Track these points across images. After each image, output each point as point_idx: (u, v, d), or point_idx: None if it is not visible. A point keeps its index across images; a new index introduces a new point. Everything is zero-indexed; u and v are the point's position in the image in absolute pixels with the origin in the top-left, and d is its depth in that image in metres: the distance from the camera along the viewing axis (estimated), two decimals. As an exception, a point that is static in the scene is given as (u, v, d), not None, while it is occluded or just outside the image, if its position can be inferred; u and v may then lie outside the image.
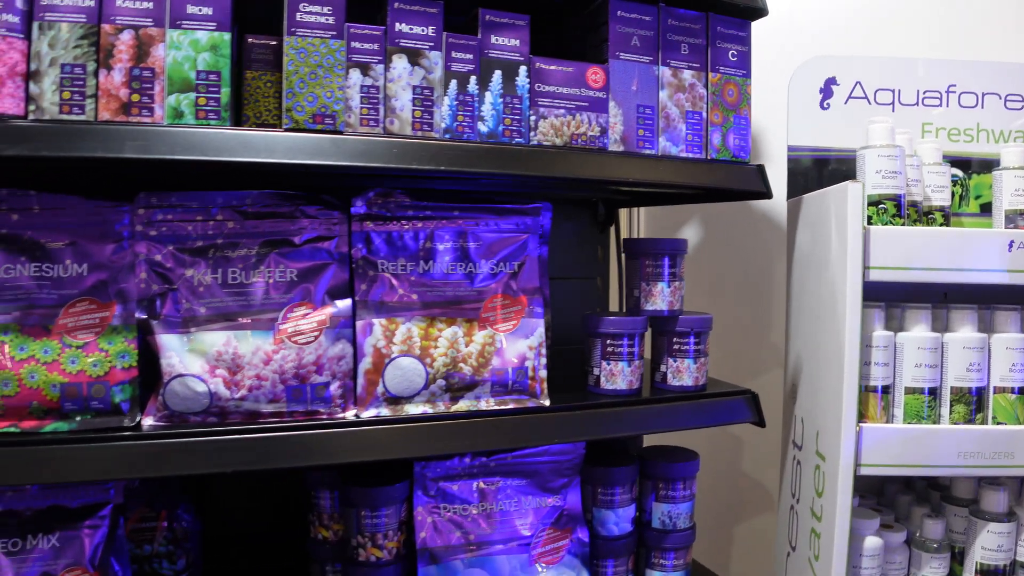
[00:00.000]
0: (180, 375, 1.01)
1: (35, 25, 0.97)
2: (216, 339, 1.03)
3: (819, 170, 1.50)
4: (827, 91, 1.48)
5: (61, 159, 0.94)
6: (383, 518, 1.16)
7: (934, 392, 1.24)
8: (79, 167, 1.10)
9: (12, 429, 0.98)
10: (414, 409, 1.10)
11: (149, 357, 1.04)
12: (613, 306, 1.57)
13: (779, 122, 1.55)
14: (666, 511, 1.29)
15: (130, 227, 1.05)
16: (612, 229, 1.56)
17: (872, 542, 1.30)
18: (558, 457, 1.23)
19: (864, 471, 1.23)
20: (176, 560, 1.26)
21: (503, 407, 1.13)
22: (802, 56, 1.49)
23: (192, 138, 0.97)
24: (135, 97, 0.98)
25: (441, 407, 1.11)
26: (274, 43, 1.10)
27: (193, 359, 1.02)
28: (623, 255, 1.31)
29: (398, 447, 1.07)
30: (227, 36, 1.01)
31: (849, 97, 1.48)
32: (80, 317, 1.01)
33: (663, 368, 1.27)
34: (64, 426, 1.00)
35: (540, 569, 1.20)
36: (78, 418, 1.00)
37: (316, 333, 1.06)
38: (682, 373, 1.25)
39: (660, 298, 1.24)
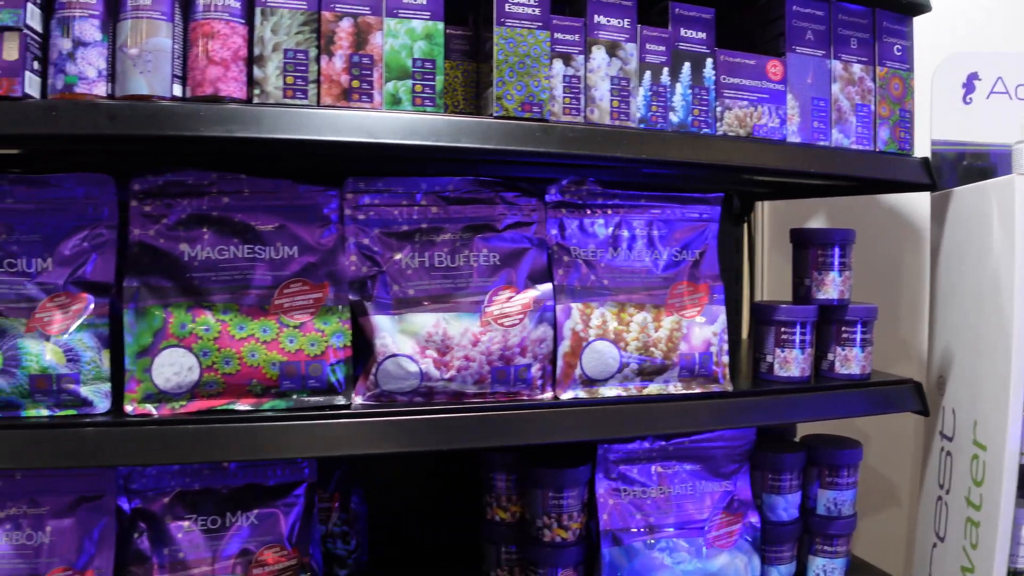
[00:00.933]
0: (393, 355, 1.04)
1: (257, 11, 1.00)
2: (426, 320, 1.06)
3: (953, 165, 1.53)
4: (969, 86, 1.51)
5: (285, 141, 0.97)
6: (568, 499, 1.18)
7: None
8: (277, 154, 1.13)
9: (229, 407, 1.01)
10: (608, 392, 1.12)
11: (357, 338, 1.07)
12: (747, 296, 1.60)
13: (920, 116, 1.58)
14: (831, 498, 1.31)
15: (338, 211, 1.08)
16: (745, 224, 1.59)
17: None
18: (731, 443, 1.25)
19: (1030, 459, 1.25)
20: (349, 540, 1.29)
21: (689, 391, 1.16)
22: (942, 52, 1.52)
23: (412, 124, 1.00)
24: (355, 83, 1.01)
25: (633, 390, 1.13)
26: (470, 34, 1.14)
27: (405, 340, 1.05)
28: (792, 245, 1.34)
29: (594, 428, 1.09)
30: (440, 25, 1.04)
31: (991, 92, 1.51)
32: (295, 298, 1.04)
33: (830, 356, 1.29)
34: (281, 404, 1.03)
35: (714, 552, 1.22)
36: (294, 396, 1.03)
37: (520, 316, 1.08)
38: (850, 362, 1.27)
39: (832, 287, 1.27)
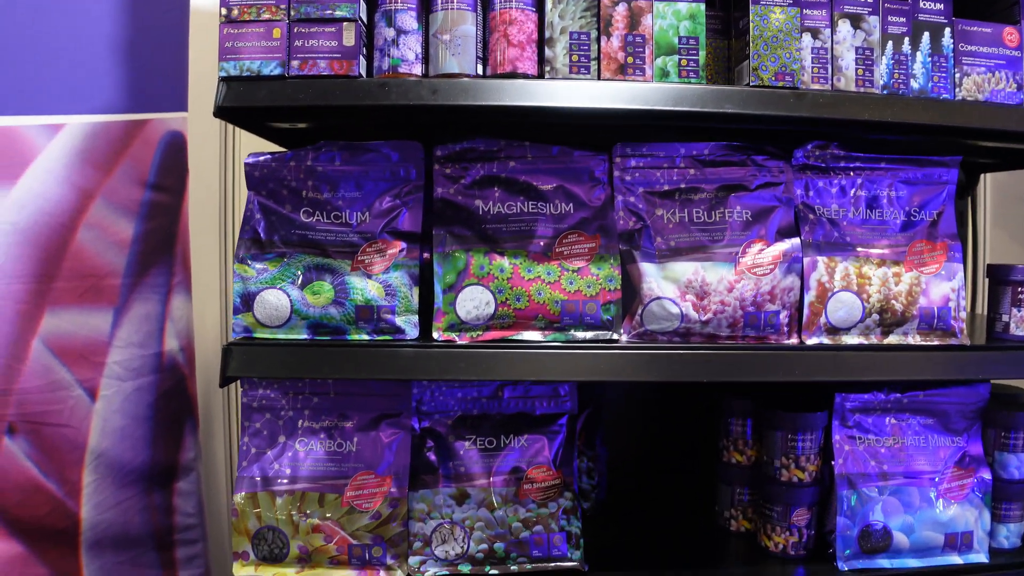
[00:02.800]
0: (658, 298, 1.20)
1: (547, 0, 1.19)
2: (686, 268, 1.21)
3: None
4: None
5: (574, 109, 1.16)
6: (805, 442, 1.30)
7: None
8: (553, 122, 1.32)
9: (517, 337, 1.20)
10: (850, 340, 1.24)
11: (624, 285, 1.24)
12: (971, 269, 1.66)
13: None
14: (1067, 460, 1.36)
15: (607, 173, 1.26)
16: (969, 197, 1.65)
17: None
18: (964, 399, 1.33)
19: None
20: (593, 476, 1.46)
21: (928, 343, 1.25)
22: None
23: (681, 93, 1.16)
24: (630, 59, 1.19)
25: (873, 339, 1.24)
26: (720, 15, 1.30)
27: (667, 285, 1.21)
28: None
29: (836, 371, 1.20)
30: (702, 7, 1.20)
31: None
32: (572, 247, 1.23)
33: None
34: (561, 336, 1.21)
35: (945, 503, 1.30)
36: (571, 331, 1.21)
37: (771, 266, 1.22)
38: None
39: None
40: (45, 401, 1.69)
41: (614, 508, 1.49)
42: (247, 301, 1.20)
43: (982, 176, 1.72)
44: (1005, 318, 1.32)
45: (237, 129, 1.83)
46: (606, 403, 1.53)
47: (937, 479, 1.31)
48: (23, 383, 1.68)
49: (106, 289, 1.73)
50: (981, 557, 1.31)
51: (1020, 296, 1.30)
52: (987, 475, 1.33)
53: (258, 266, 1.21)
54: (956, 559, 1.31)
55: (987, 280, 1.36)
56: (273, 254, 1.22)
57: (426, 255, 1.26)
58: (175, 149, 1.77)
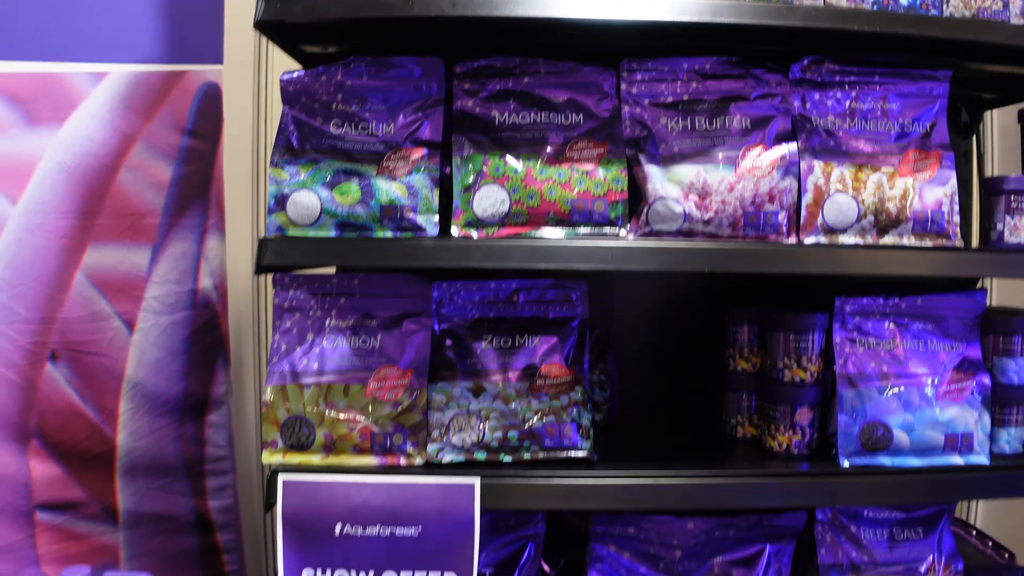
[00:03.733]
0: (662, 197, 1.32)
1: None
2: (688, 171, 1.33)
3: None
4: None
5: (582, 21, 1.28)
6: (807, 343, 1.40)
7: None
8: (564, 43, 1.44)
9: (531, 234, 1.32)
10: (846, 239, 1.34)
11: (633, 188, 1.35)
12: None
13: None
14: (1065, 365, 1.44)
15: (615, 87, 1.38)
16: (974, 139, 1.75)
17: None
18: (961, 305, 1.41)
19: None
20: (605, 388, 1.57)
21: (922, 244, 1.35)
22: None
23: (682, 3, 1.28)
24: (634, -24, 1.32)
25: (869, 240, 1.35)
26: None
27: (671, 186, 1.33)
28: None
29: (832, 265, 1.30)
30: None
31: None
32: (582, 152, 1.34)
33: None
34: (571, 232, 1.33)
35: (945, 404, 1.39)
36: (581, 228, 1.33)
37: (769, 169, 1.33)
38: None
39: None
40: (86, 331, 1.83)
41: (625, 420, 1.60)
42: (280, 202, 1.34)
43: (987, 115, 1.82)
44: (999, 226, 1.42)
45: (269, 82, 1.98)
46: (616, 322, 1.64)
47: (936, 381, 1.40)
48: (65, 313, 1.82)
49: (145, 228, 1.87)
50: (982, 459, 1.39)
51: (1012, 205, 1.40)
52: (986, 379, 1.41)
53: (291, 170, 1.35)
54: (957, 459, 1.38)
55: (981, 192, 1.46)
56: (305, 159, 1.35)
57: (447, 169, 1.39)
58: (211, 99, 1.92)
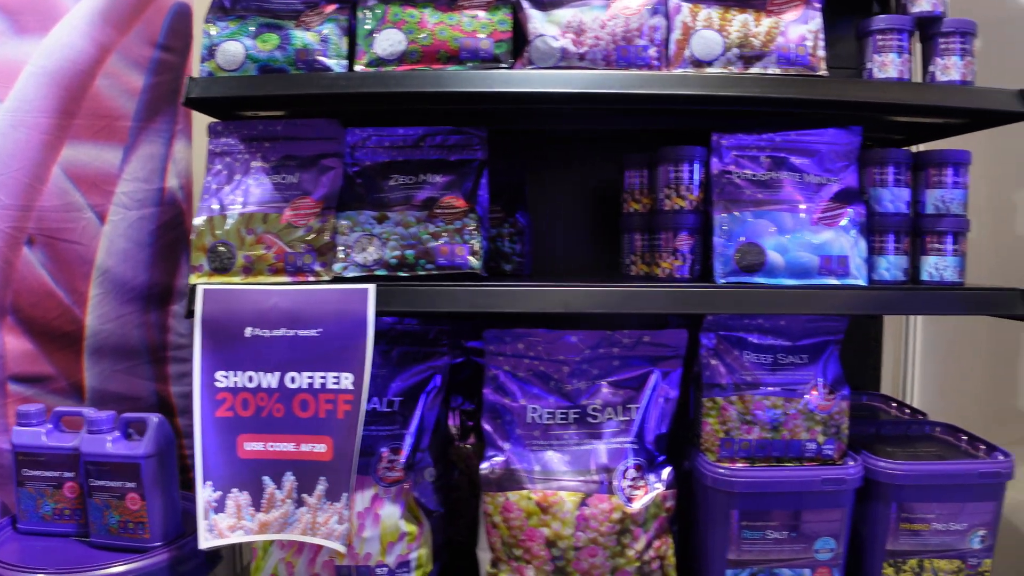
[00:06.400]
0: (541, 35, 1.58)
1: None
2: (567, 13, 1.59)
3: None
4: None
5: None
6: (685, 173, 1.63)
7: None
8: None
9: (425, 69, 1.60)
10: (713, 71, 1.58)
11: (518, 31, 1.62)
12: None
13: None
14: (939, 196, 1.62)
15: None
16: None
17: None
18: (836, 140, 1.63)
19: None
20: (515, 241, 1.81)
21: (788, 74, 1.58)
22: None
23: None
24: None
25: (735, 71, 1.58)
26: None
27: (550, 26, 1.59)
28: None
29: (702, 87, 1.53)
30: None
31: None
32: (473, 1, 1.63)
33: (931, 68, 1.64)
34: (461, 68, 1.60)
35: (820, 228, 1.59)
36: (469, 64, 1.60)
37: (639, 7, 1.59)
38: (950, 70, 1.62)
39: (925, 1, 1.64)
40: (61, 219, 2.15)
41: (536, 274, 1.83)
42: (211, 51, 1.65)
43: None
44: (868, 65, 1.64)
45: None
46: (530, 180, 1.90)
47: (811, 208, 1.60)
48: (43, 202, 2.15)
49: (118, 129, 2.20)
50: (859, 281, 1.58)
51: (879, 44, 1.62)
52: (861, 208, 1.61)
53: (222, 25, 1.66)
54: (833, 281, 1.58)
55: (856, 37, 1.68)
56: (234, 16, 1.66)
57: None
58: (182, 17, 2.27)
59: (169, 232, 2.23)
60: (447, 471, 1.80)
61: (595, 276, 1.75)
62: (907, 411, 1.92)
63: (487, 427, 1.61)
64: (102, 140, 2.19)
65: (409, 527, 1.62)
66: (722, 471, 1.55)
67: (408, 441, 1.62)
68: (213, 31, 1.66)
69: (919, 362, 2.20)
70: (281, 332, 1.55)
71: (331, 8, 1.65)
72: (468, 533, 1.75)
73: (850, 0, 1.91)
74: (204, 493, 1.54)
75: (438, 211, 1.62)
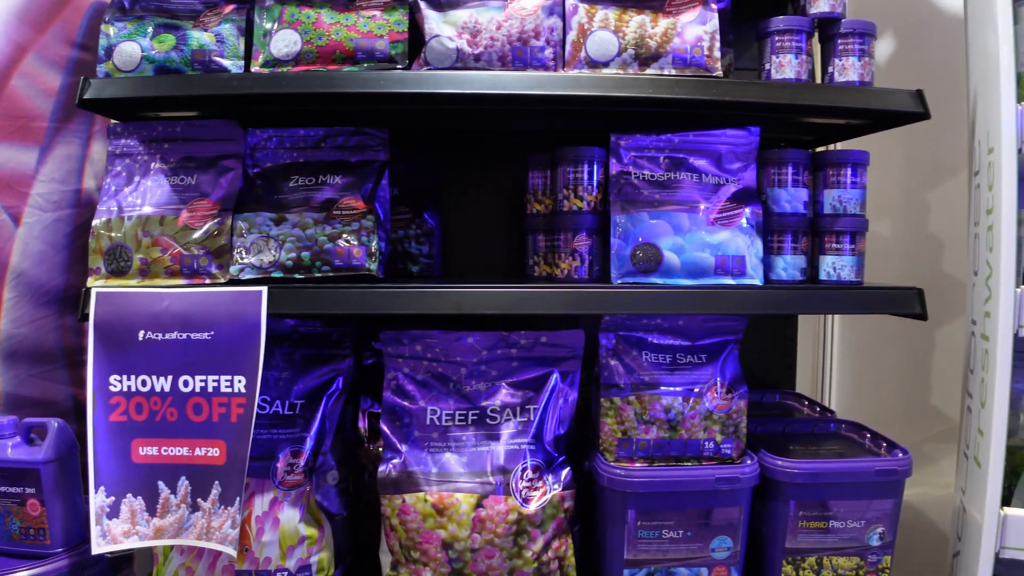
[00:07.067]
0: (437, 35, 1.60)
1: None
2: (463, 13, 1.61)
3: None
4: None
5: None
6: (584, 174, 1.65)
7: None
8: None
9: (320, 70, 1.60)
10: (609, 72, 1.60)
11: (416, 31, 1.63)
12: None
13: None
14: (836, 196, 1.65)
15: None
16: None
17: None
18: (735, 140, 1.65)
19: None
20: (422, 242, 1.83)
21: (683, 75, 1.60)
22: None
23: None
24: None
25: (631, 72, 1.60)
26: None
27: (446, 27, 1.60)
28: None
29: (597, 88, 1.55)
30: None
31: None
32: (371, 1, 1.64)
33: (830, 69, 1.67)
34: (357, 69, 1.61)
35: (716, 228, 1.61)
36: (365, 64, 1.61)
37: (535, 8, 1.60)
38: (848, 70, 1.64)
39: (824, 2, 1.66)
40: (-26, 221, 2.14)
41: (446, 269, 1.85)
42: (109, 52, 1.65)
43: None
44: (767, 66, 1.66)
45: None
46: (443, 183, 1.91)
47: (708, 208, 1.62)
48: (-45, 203, 2.14)
49: (34, 130, 2.20)
50: (755, 281, 1.60)
51: (777, 44, 1.64)
52: (758, 208, 1.63)
53: (120, 25, 1.67)
54: (729, 281, 1.60)
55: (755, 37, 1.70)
56: (132, 16, 1.67)
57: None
58: (101, 16, 2.27)
59: (86, 234, 2.22)
60: (356, 474, 1.81)
61: (506, 277, 1.76)
62: (818, 410, 1.94)
63: (385, 429, 1.62)
64: (17, 141, 2.19)
65: (309, 531, 1.63)
66: (617, 471, 1.56)
67: (308, 444, 1.63)
68: (111, 32, 1.66)
69: (836, 362, 2.23)
70: (174, 335, 1.56)
71: (229, 8, 1.66)
72: (377, 536, 1.75)
73: (762, 2, 1.93)
74: (97, 499, 1.54)
75: (336, 212, 1.63)
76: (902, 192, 2.23)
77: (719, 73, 1.60)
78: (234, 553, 1.52)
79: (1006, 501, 1.64)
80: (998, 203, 1.55)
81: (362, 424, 1.87)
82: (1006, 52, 1.55)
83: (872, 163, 1.67)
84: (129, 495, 1.55)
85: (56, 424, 1.67)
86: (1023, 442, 1.68)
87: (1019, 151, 1.54)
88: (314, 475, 1.64)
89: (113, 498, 1.55)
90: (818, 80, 1.71)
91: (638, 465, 1.61)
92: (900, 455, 1.63)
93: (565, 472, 1.61)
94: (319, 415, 1.66)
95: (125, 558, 1.80)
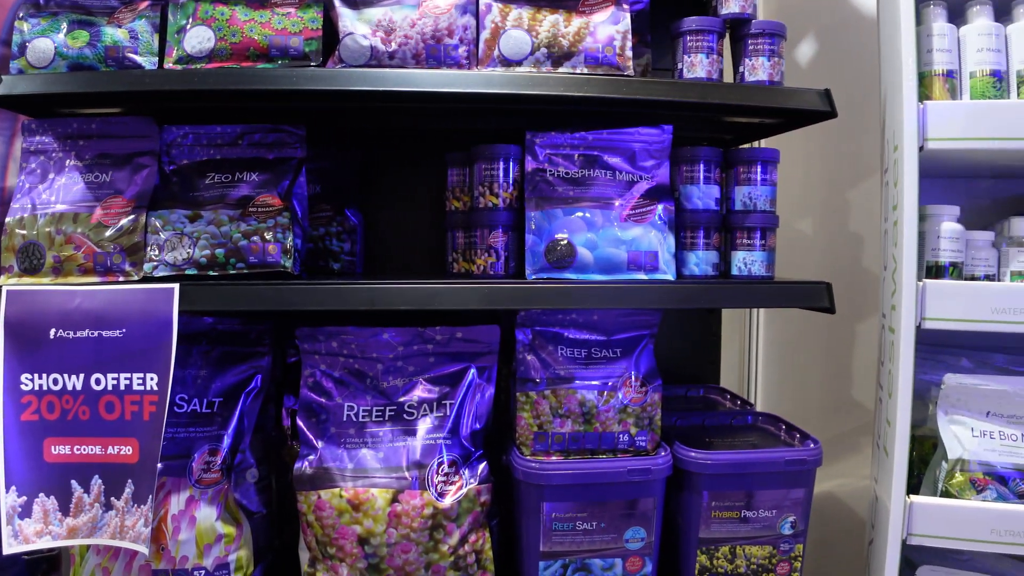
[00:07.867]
0: (351, 33, 1.62)
1: None
2: (378, 11, 1.63)
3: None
4: None
5: None
6: (499, 171, 1.68)
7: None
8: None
9: (234, 67, 1.62)
10: (523, 70, 1.63)
11: (331, 28, 1.65)
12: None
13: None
14: (747, 192, 1.70)
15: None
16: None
17: (949, 227, 1.64)
18: (648, 138, 1.69)
19: (931, 145, 1.59)
20: (343, 239, 1.84)
21: (594, 74, 1.63)
22: None
23: None
24: None
25: (544, 71, 1.63)
26: None
27: (361, 25, 1.63)
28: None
29: (511, 86, 1.57)
30: None
31: None
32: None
33: (741, 69, 1.71)
34: (271, 66, 1.62)
35: (629, 225, 1.65)
36: (279, 61, 1.63)
37: (449, 6, 1.63)
38: (758, 70, 1.69)
39: (734, 3, 1.71)
40: None
41: (366, 273, 1.87)
42: (23, 48, 1.65)
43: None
44: (679, 66, 1.70)
45: None
46: (362, 180, 1.93)
47: (622, 204, 1.66)
48: None
49: (-46, 128, 2.19)
50: (667, 276, 1.64)
51: (689, 44, 1.68)
52: (670, 205, 1.68)
53: (34, 22, 1.67)
54: (641, 276, 1.64)
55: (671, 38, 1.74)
56: (47, 12, 1.67)
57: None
58: (26, 13, 2.26)
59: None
60: (279, 472, 1.82)
61: (425, 274, 1.79)
62: (739, 403, 1.99)
63: (302, 425, 1.64)
64: (-63, 139, 2.17)
65: (227, 529, 1.64)
66: (532, 464, 1.59)
67: (226, 442, 1.64)
68: (25, 28, 1.66)
69: (762, 357, 2.28)
70: (86, 333, 1.56)
71: (144, 5, 1.67)
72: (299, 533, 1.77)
73: (684, 3, 1.97)
74: (8, 498, 1.54)
75: (252, 209, 1.64)
76: (825, 190, 2.29)
77: (631, 72, 1.64)
78: (147, 552, 1.53)
79: (914, 489, 1.70)
80: (901, 199, 1.60)
81: (287, 423, 1.88)
82: (908, 51, 1.61)
83: (795, 162, 1.73)
84: (41, 494, 1.55)
85: (-31, 424, 1.66)
86: (931, 432, 1.74)
87: (920, 149, 1.59)
88: (232, 473, 1.65)
89: (25, 498, 1.55)
90: (729, 80, 1.75)
91: (554, 458, 1.64)
92: (811, 445, 1.68)
93: (482, 466, 1.64)
94: (237, 413, 1.67)
95: (54, 559, 1.80)
